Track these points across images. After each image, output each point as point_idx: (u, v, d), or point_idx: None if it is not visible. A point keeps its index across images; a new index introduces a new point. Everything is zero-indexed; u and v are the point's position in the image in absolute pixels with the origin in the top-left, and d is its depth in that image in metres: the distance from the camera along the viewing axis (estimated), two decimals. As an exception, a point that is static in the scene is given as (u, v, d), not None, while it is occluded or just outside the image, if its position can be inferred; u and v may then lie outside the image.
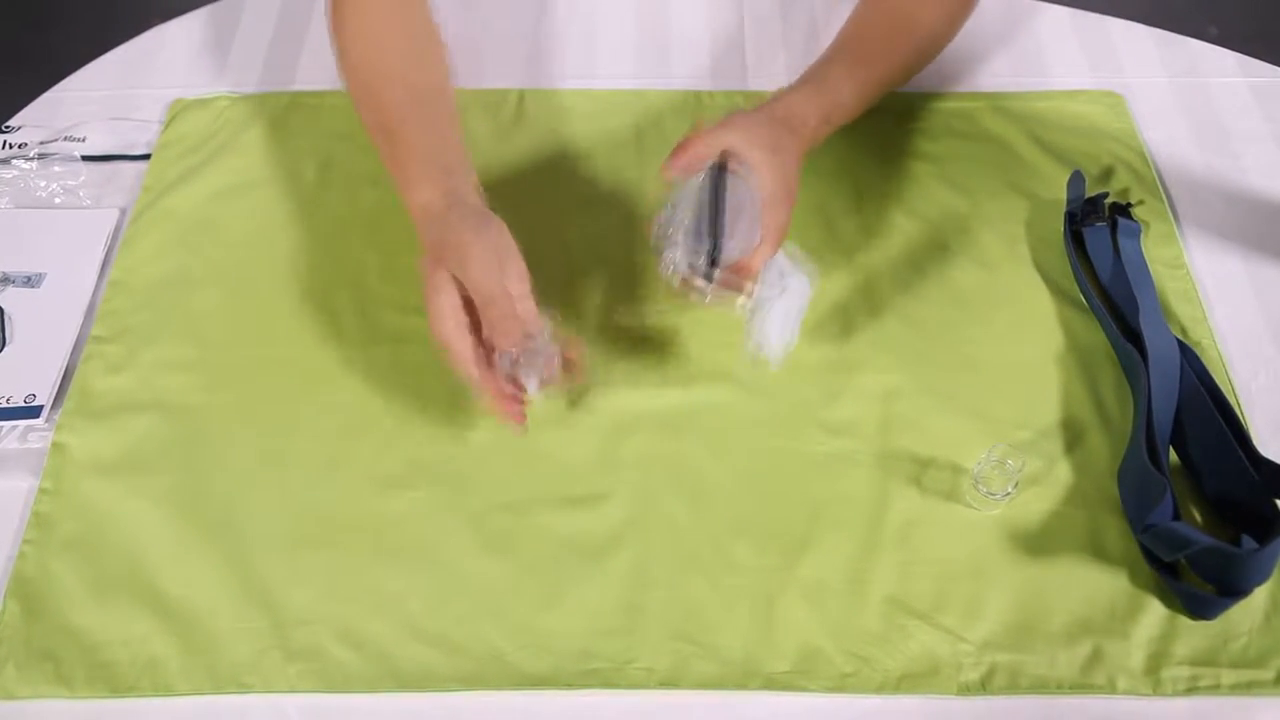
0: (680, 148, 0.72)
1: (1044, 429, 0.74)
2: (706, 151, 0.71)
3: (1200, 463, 0.72)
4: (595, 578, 0.68)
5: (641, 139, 0.91)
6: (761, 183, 0.70)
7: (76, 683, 0.64)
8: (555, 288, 0.81)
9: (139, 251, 0.84)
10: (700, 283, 0.69)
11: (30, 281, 0.82)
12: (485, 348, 0.68)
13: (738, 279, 0.69)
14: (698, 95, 0.95)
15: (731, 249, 0.69)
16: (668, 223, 0.71)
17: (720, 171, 0.70)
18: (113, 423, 0.74)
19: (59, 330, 0.79)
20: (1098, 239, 0.83)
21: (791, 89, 0.79)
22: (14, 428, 0.74)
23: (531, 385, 0.68)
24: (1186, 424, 0.73)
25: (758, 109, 0.75)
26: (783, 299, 0.69)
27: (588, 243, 0.84)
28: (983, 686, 0.64)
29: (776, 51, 0.99)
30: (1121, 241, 0.83)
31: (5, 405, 0.75)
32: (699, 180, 0.70)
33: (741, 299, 0.69)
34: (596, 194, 0.87)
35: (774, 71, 0.97)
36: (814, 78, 0.81)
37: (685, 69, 0.98)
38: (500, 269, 0.66)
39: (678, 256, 0.69)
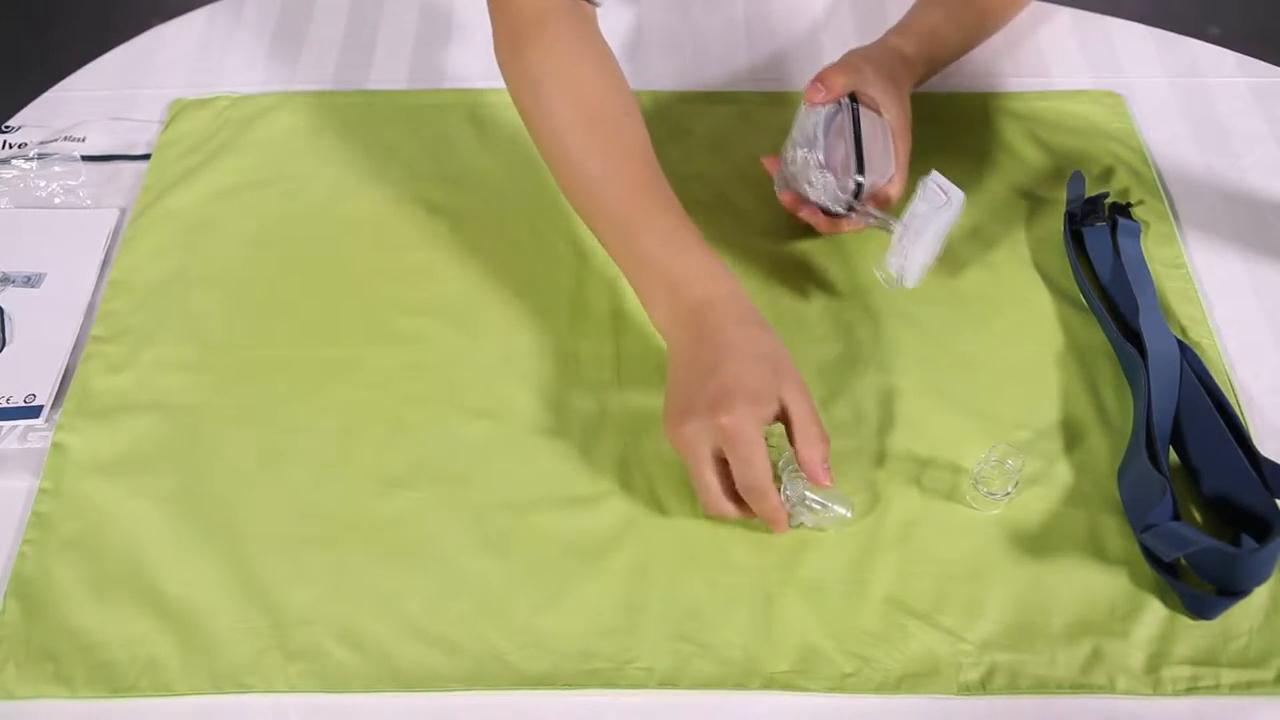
0: (818, 79, 0.77)
1: (1044, 429, 0.74)
2: (844, 83, 0.78)
3: (1200, 463, 0.72)
4: (595, 578, 0.68)
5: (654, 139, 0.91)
6: (890, 115, 0.79)
7: (76, 683, 0.64)
8: (561, 288, 0.81)
9: (139, 251, 0.84)
10: (848, 212, 0.77)
11: (30, 281, 0.82)
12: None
13: (875, 207, 0.76)
14: (698, 95, 0.95)
15: (874, 179, 0.77)
16: (794, 157, 0.77)
17: (855, 104, 0.78)
18: (113, 423, 0.74)
19: (59, 330, 0.79)
20: (1098, 239, 0.83)
21: (894, 32, 0.87)
22: (14, 428, 0.74)
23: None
24: (1186, 424, 0.73)
25: (870, 47, 0.84)
26: (939, 214, 0.73)
27: (593, 241, 0.84)
28: (983, 686, 0.64)
29: (777, 51, 0.99)
30: (1121, 241, 0.83)
31: (5, 405, 0.75)
32: (823, 114, 0.77)
33: (896, 222, 0.74)
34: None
35: (774, 71, 0.97)
36: (915, 22, 0.88)
37: (685, 69, 0.98)
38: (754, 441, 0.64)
39: (817, 189, 0.76)
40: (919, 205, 0.73)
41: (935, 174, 0.74)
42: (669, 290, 0.70)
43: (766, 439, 0.68)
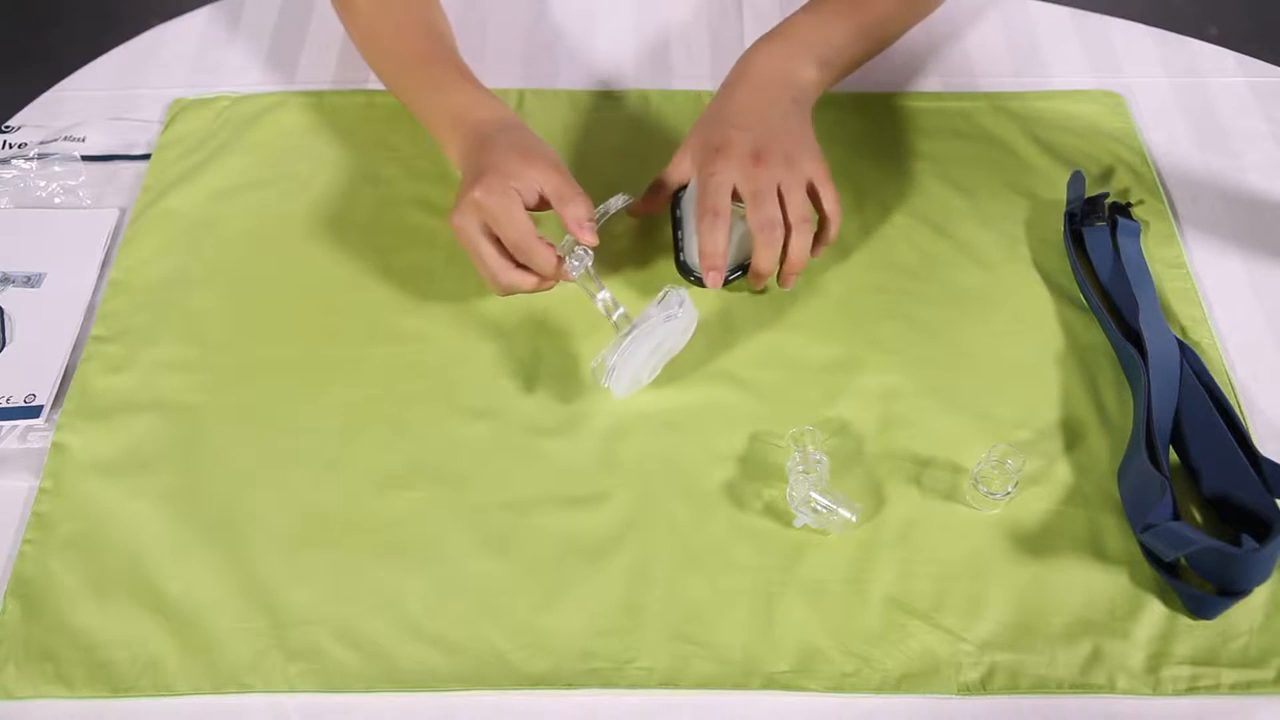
0: (650, 191, 0.82)
1: (1044, 429, 0.74)
2: (670, 187, 0.82)
3: (1200, 463, 0.72)
4: (595, 578, 0.68)
5: (642, 139, 0.91)
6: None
7: (76, 683, 0.64)
8: (559, 287, 0.81)
9: (139, 251, 0.84)
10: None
11: (30, 281, 0.82)
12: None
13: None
14: (698, 95, 0.95)
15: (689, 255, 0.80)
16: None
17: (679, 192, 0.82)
18: (113, 423, 0.74)
19: (59, 330, 0.79)
20: (1098, 239, 0.83)
21: (779, 40, 0.83)
22: (14, 428, 0.74)
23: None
24: (1186, 424, 0.73)
25: (724, 95, 0.81)
26: (663, 325, 0.72)
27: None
28: (983, 686, 0.64)
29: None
30: (1121, 241, 0.83)
31: (5, 405, 0.75)
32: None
33: (608, 306, 0.74)
34: (597, 194, 0.87)
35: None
36: (801, 29, 0.84)
37: (685, 69, 0.98)
38: (506, 200, 0.72)
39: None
40: (651, 309, 0.72)
41: (678, 291, 0.72)
42: (452, 127, 0.79)
43: (777, 441, 0.69)
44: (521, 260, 0.73)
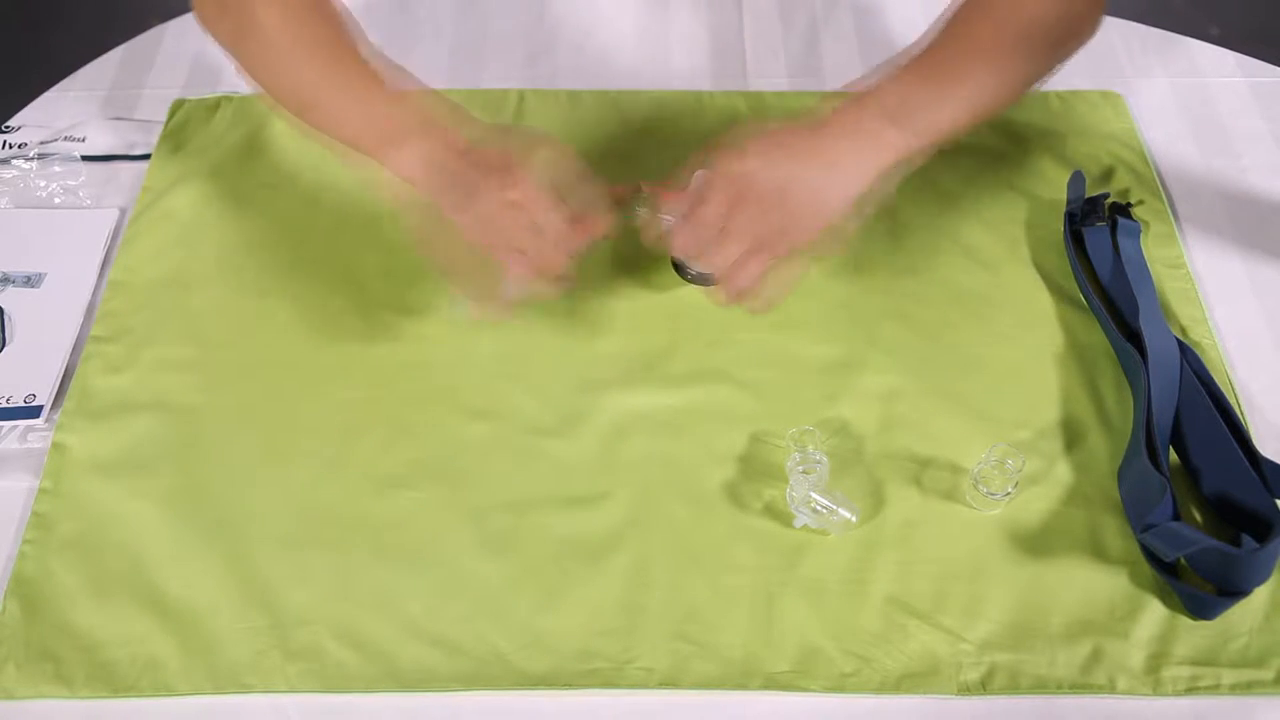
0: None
1: (1044, 429, 0.74)
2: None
3: (1200, 463, 0.72)
4: (595, 578, 0.68)
5: (642, 139, 0.91)
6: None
7: (76, 683, 0.64)
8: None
9: (139, 251, 0.84)
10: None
11: (30, 281, 0.82)
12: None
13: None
14: (698, 95, 0.95)
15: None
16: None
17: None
18: (113, 423, 0.74)
19: (59, 330, 0.79)
20: (1098, 239, 0.83)
21: (885, 122, 0.71)
22: (14, 428, 0.74)
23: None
24: (1186, 424, 0.73)
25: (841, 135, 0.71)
26: None
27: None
28: (983, 686, 0.64)
29: (776, 51, 0.99)
30: (1121, 241, 0.83)
31: (5, 405, 0.75)
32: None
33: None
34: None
35: (774, 71, 0.97)
36: (911, 114, 0.71)
37: (685, 69, 0.98)
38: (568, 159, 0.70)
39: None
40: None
41: None
42: (420, 135, 0.71)
43: (777, 441, 0.69)
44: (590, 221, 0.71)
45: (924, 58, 0.74)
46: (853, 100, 0.72)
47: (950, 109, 0.73)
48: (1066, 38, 0.77)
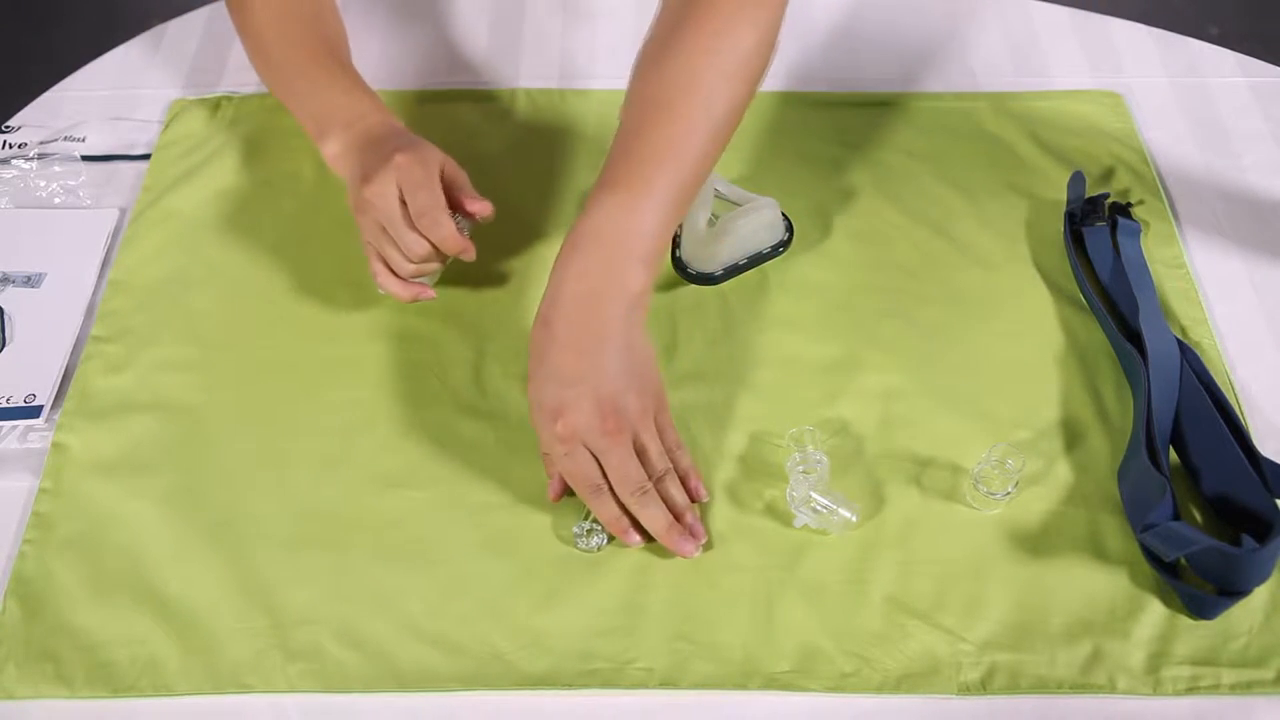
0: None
1: (1044, 429, 0.74)
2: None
3: (1200, 463, 0.72)
4: (595, 578, 0.68)
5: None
6: None
7: (76, 683, 0.64)
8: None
9: (139, 251, 0.84)
10: None
11: (30, 281, 0.82)
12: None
13: None
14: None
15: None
16: None
17: None
18: (113, 423, 0.74)
19: (59, 330, 0.79)
20: (1098, 239, 0.83)
21: (603, 227, 0.67)
22: (14, 428, 0.74)
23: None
24: (1186, 424, 0.73)
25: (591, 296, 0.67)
26: None
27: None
28: (983, 686, 0.64)
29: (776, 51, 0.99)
30: (1121, 241, 0.83)
31: (5, 405, 0.75)
32: None
33: None
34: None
35: (774, 71, 0.97)
36: (637, 196, 0.67)
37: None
38: (426, 165, 0.73)
39: None
40: None
41: None
42: (345, 126, 0.78)
43: (777, 440, 0.70)
44: (424, 229, 0.72)
45: (622, 160, 0.69)
46: (580, 256, 0.67)
47: (668, 212, 0.68)
48: (764, 66, 0.74)
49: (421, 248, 0.73)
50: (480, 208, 0.75)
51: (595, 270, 0.66)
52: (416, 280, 0.76)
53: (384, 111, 0.80)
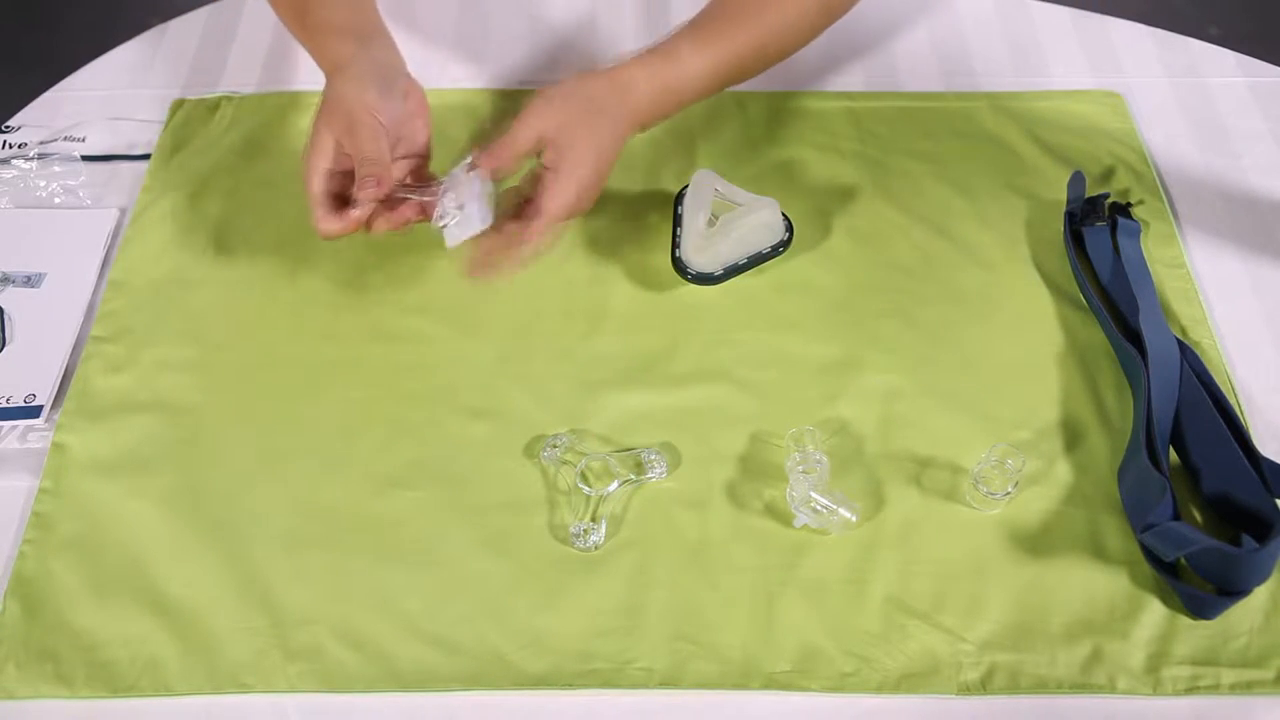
0: (502, 143, 0.76)
1: (1044, 429, 0.74)
2: (523, 146, 0.75)
3: (1200, 463, 0.72)
4: (595, 578, 0.68)
5: (641, 138, 0.91)
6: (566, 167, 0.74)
7: (76, 682, 0.64)
8: (560, 287, 0.81)
9: (139, 251, 0.84)
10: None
11: (30, 281, 0.82)
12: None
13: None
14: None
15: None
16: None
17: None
18: (113, 423, 0.74)
19: (59, 330, 0.79)
20: (1098, 239, 0.83)
21: (633, 59, 0.78)
22: (14, 428, 0.74)
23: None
24: (1186, 424, 0.73)
25: (589, 76, 0.77)
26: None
27: (593, 239, 0.84)
28: (983, 686, 0.64)
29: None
30: (1121, 241, 0.83)
31: (5, 405, 0.75)
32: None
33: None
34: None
35: (774, 71, 0.97)
36: (661, 48, 0.79)
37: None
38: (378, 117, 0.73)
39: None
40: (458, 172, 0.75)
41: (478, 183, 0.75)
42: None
43: (777, 441, 0.69)
44: (367, 170, 0.72)
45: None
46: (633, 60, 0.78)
47: (709, 57, 0.79)
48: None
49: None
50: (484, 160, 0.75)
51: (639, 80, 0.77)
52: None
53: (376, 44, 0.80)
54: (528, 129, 0.75)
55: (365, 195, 0.71)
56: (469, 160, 0.75)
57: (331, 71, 0.77)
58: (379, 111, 0.74)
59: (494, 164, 0.75)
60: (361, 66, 0.76)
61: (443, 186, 0.75)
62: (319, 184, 0.74)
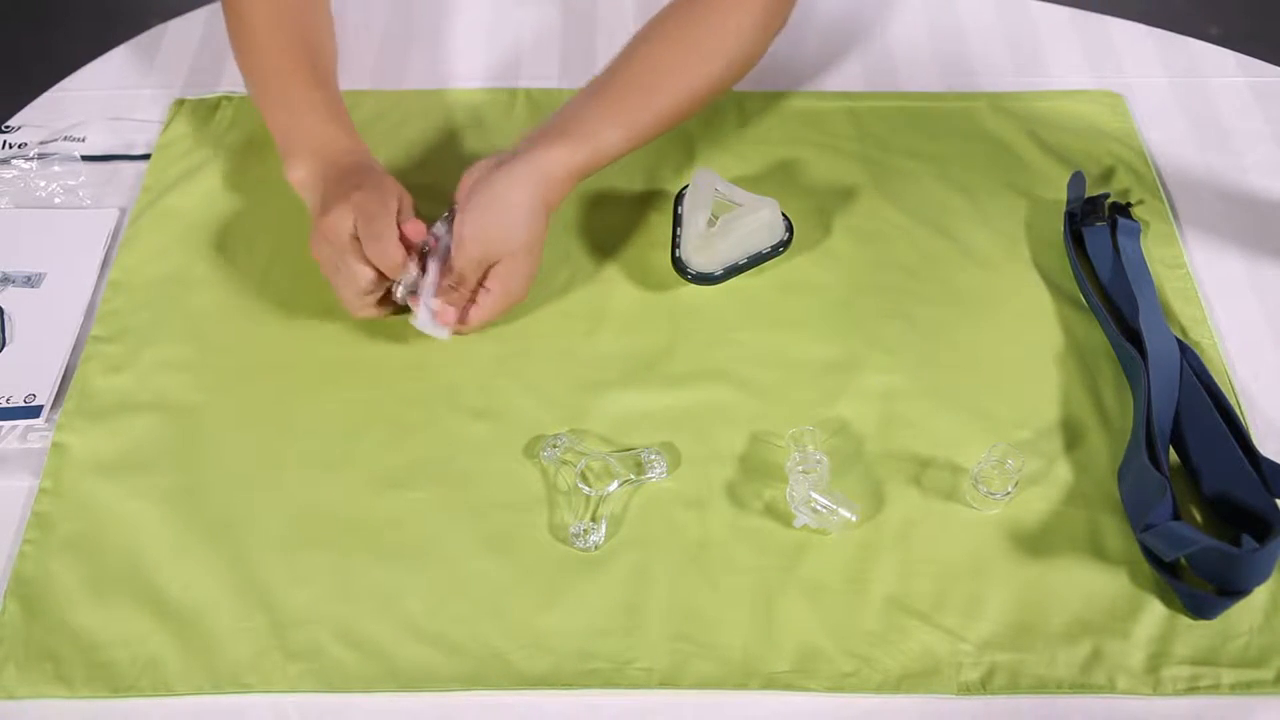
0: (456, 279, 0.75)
1: (1044, 429, 0.74)
2: (474, 278, 0.75)
3: (1200, 463, 0.72)
4: (595, 577, 0.68)
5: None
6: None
7: (76, 682, 0.64)
8: (556, 286, 0.81)
9: (139, 251, 0.84)
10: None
11: (30, 281, 0.82)
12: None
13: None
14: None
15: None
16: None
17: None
18: (113, 423, 0.74)
19: (59, 330, 0.79)
20: (1098, 239, 0.83)
21: (547, 142, 0.75)
22: (14, 428, 0.74)
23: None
24: (1186, 424, 0.73)
25: (506, 167, 0.74)
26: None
27: (592, 239, 0.84)
28: (983, 686, 0.64)
29: (776, 51, 0.99)
30: (1121, 241, 0.83)
31: (5, 405, 0.75)
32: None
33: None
34: (597, 192, 0.87)
35: (774, 71, 0.97)
36: (573, 128, 0.77)
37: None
38: (384, 199, 0.73)
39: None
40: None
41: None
42: (313, 154, 0.79)
43: (777, 441, 0.69)
44: (373, 255, 0.72)
45: (608, 79, 0.80)
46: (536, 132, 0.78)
47: (625, 129, 0.78)
48: (755, 57, 0.84)
49: (366, 278, 0.73)
50: (411, 229, 0.73)
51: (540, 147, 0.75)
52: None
53: (353, 138, 0.80)
54: (469, 261, 0.74)
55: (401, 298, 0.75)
56: (447, 216, 0.76)
57: (356, 151, 0.79)
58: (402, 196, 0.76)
59: (454, 311, 0.75)
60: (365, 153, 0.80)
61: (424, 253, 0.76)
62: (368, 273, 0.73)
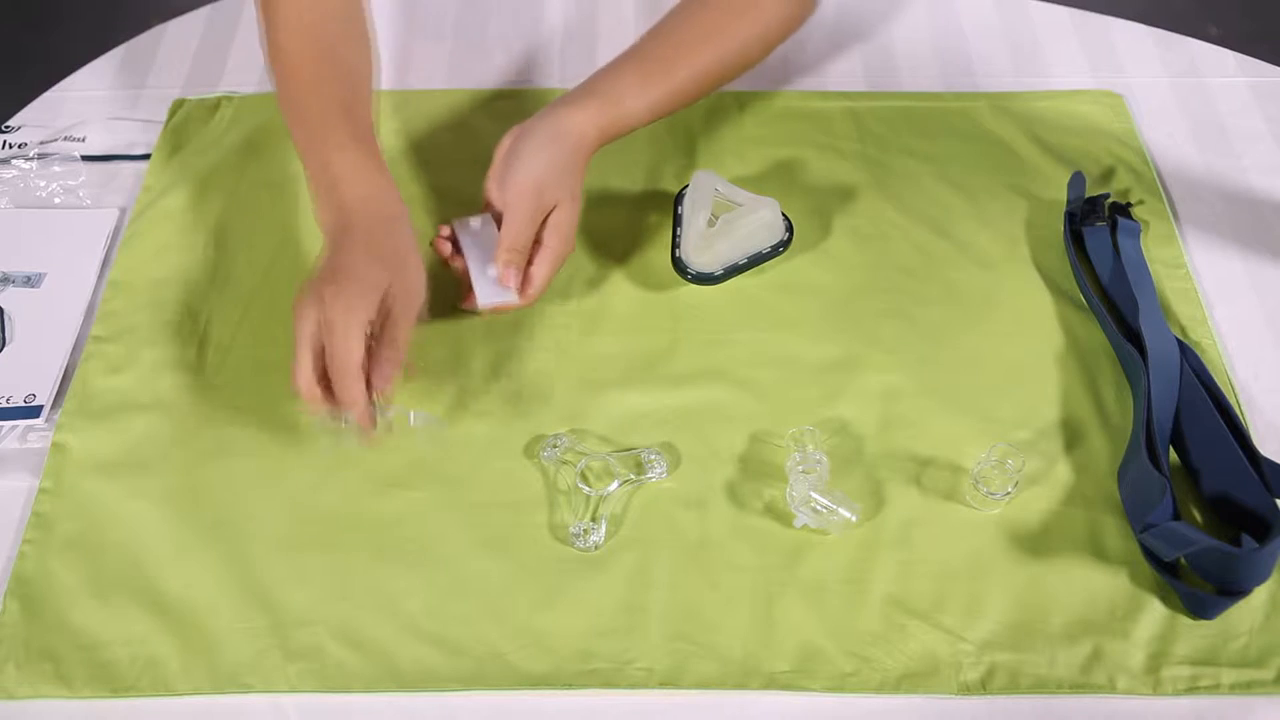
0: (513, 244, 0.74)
1: (1044, 429, 0.74)
2: (528, 238, 0.75)
3: (1200, 463, 0.72)
4: (595, 577, 0.68)
5: (641, 138, 0.91)
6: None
7: (76, 682, 0.64)
8: (556, 286, 0.81)
9: (139, 251, 0.84)
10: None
11: (30, 281, 0.82)
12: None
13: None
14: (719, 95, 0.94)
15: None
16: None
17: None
18: (113, 423, 0.74)
19: (59, 330, 0.79)
20: (1098, 239, 0.83)
21: (577, 102, 0.77)
22: (14, 428, 0.74)
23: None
24: (1186, 424, 0.73)
25: (537, 132, 0.76)
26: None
27: (592, 239, 0.84)
28: (983, 686, 0.64)
29: (776, 50, 0.99)
30: (1121, 241, 0.83)
31: (5, 405, 0.75)
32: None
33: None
34: (597, 192, 0.87)
35: (774, 71, 0.97)
36: (601, 90, 0.79)
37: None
38: (349, 306, 0.66)
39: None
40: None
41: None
42: (329, 190, 0.74)
43: (777, 441, 0.69)
44: (333, 384, 0.66)
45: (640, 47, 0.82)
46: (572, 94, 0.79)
47: (651, 94, 0.80)
48: (781, 37, 0.86)
49: (321, 405, 0.67)
50: (379, 379, 0.67)
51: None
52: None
53: (377, 183, 0.75)
54: (525, 215, 0.74)
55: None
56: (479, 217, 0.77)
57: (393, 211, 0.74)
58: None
59: (515, 272, 0.74)
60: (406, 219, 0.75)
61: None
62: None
